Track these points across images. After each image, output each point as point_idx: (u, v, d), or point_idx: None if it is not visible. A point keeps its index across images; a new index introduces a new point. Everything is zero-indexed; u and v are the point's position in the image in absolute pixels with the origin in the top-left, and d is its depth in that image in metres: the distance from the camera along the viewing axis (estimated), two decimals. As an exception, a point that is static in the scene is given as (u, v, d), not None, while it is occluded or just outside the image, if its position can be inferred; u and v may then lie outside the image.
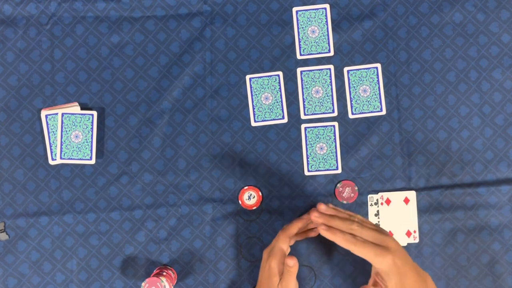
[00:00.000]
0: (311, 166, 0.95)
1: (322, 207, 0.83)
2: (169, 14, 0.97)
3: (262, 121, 0.96)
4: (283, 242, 0.85)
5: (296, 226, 0.87)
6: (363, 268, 0.94)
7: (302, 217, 0.89)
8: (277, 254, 0.84)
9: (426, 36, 0.96)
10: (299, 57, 0.96)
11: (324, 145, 0.95)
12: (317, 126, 0.96)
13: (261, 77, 0.96)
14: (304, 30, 0.96)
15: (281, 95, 0.96)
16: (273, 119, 0.96)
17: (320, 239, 0.95)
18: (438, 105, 0.96)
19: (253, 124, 0.96)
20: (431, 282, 0.79)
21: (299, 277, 0.94)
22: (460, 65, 0.96)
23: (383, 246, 0.75)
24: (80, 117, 0.95)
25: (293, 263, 0.80)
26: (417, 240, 0.94)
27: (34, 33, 0.97)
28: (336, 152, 0.95)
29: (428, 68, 0.96)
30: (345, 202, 0.95)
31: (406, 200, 0.94)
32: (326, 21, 0.96)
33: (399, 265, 0.75)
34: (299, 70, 0.96)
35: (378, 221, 0.94)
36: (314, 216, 0.81)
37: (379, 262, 0.74)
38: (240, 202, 0.95)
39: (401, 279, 0.75)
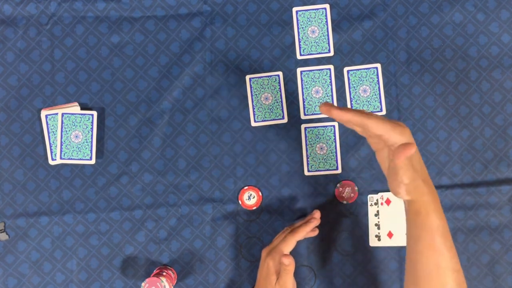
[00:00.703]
0: (311, 166, 0.95)
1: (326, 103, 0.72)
2: (169, 14, 0.97)
3: (262, 121, 0.96)
4: (290, 245, 0.85)
5: (304, 231, 0.87)
6: (363, 268, 0.94)
7: (309, 221, 0.89)
8: (276, 254, 0.84)
9: (426, 36, 0.96)
10: (299, 57, 0.96)
11: (324, 145, 0.95)
12: (317, 126, 0.96)
13: (261, 77, 0.96)
14: (304, 30, 0.96)
15: (281, 95, 0.96)
16: (273, 119, 0.96)
17: (320, 238, 0.95)
18: (438, 105, 0.96)
19: (253, 124, 0.96)
20: (435, 190, 0.74)
21: (299, 277, 0.94)
22: (460, 65, 0.96)
23: (397, 123, 0.69)
24: (80, 117, 0.95)
25: (289, 262, 0.81)
26: (417, 240, 0.94)
27: (34, 33, 0.97)
28: (336, 152, 0.95)
29: (428, 68, 0.96)
30: (345, 202, 0.95)
31: (406, 200, 0.94)
32: (326, 21, 0.96)
33: (414, 141, 0.70)
34: (299, 70, 0.96)
35: (378, 221, 0.94)
36: (322, 107, 0.70)
37: (398, 133, 0.68)
38: (240, 202, 0.95)
39: (419, 155, 0.71)
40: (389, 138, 0.68)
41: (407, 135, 0.68)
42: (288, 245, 0.85)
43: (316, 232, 0.91)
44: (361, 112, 0.69)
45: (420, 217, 0.71)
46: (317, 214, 0.91)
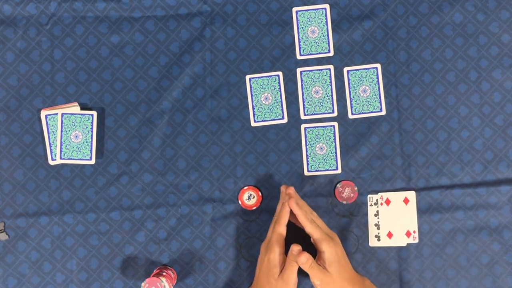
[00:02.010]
0: (311, 166, 0.95)
1: (293, 188, 0.89)
2: (169, 14, 0.97)
3: (262, 121, 0.96)
4: (280, 233, 0.85)
5: (286, 212, 0.86)
6: (363, 268, 0.95)
7: (284, 203, 0.87)
8: (275, 246, 0.84)
9: (426, 36, 0.96)
10: (299, 57, 0.96)
11: (324, 145, 0.95)
12: (317, 126, 0.96)
13: (261, 77, 0.96)
14: (304, 30, 0.96)
15: (281, 95, 0.96)
16: (273, 119, 0.96)
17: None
18: (438, 105, 0.96)
19: (253, 124, 0.96)
20: (369, 283, 0.89)
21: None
22: (460, 65, 0.96)
23: (330, 236, 0.85)
24: (80, 117, 0.95)
25: (306, 259, 0.82)
26: (416, 240, 0.94)
27: (34, 33, 0.97)
28: (336, 152, 0.95)
29: (428, 68, 0.96)
30: (345, 202, 0.95)
31: (406, 200, 0.94)
32: (326, 21, 0.96)
33: (339, 256, 0.84)
34: (299, 70, 0.96)
35: (378, 221, 0.94)
36: (290, 189, 0.88)
37: (325, 246, 0.83)
38: (240, 202, 0.95)
39: (340, 268, 0.84)
40: (320, 248, 0.84)
41: (331, 250, 0.83)
42: (276, 233, 0.85)
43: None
44: (308, 217, 0.85)
45: None
46: (289, 189, 0.88)
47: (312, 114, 0.96)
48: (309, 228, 0.85)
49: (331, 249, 0.83)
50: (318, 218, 0.88)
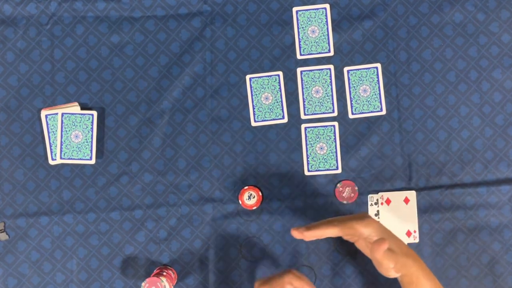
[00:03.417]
0: (311, 166, 0.95)
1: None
2: (169, 14, 0.97)
3: (262, 121, 0.96)
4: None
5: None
6: (363, 268, 0.94)
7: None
8: None
9: (426, 36, 0.96)
10: (299, 57, 0.96)
11: (324, 145, 0.95)
12: (317, 126, 0.96)
13: (261, 77, 0.96)
14: (304, 30, 0.96)
15: (281, 95, 0.96)
16: (273, 119, 0.96)
17: (320, 238, 0.95)
18: (438, 105, 0.96)
19: (253, 124, 0.96)
20: (418, 258, 0.81)
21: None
22: (460, 65, 0.96)
23: (360, 216, 0.80)
24: (80, 117, 0.95)
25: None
26: (417, 240, 0.94)
27: (34, 33, 0.97)
28: (336, 152, 0.95)
29: (428, 68, 0.96)
30: (345, 202, 0.95)
31: (406, 200, 0.94)
32: (326, 21, 0.96)
33: (384, 227, 0.80)
34: (299, 70, 0.96)
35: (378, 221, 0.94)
36: (294, 232, 0.79)
37: (364, 226, 0.78)
38: (240, 202, 0.95)
39: (396, 241, 0.79)
40: (361, 233, 0.78)
41: (372, 224, 0.78)
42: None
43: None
44: (322, 225, 0.78)
45: (413, 286, 0.78)
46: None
47: (312, 114, 0.96)
48: (330, 232, 0.77)
49: (370, 224, 0.78)
50: (330, 221, 0.79)
